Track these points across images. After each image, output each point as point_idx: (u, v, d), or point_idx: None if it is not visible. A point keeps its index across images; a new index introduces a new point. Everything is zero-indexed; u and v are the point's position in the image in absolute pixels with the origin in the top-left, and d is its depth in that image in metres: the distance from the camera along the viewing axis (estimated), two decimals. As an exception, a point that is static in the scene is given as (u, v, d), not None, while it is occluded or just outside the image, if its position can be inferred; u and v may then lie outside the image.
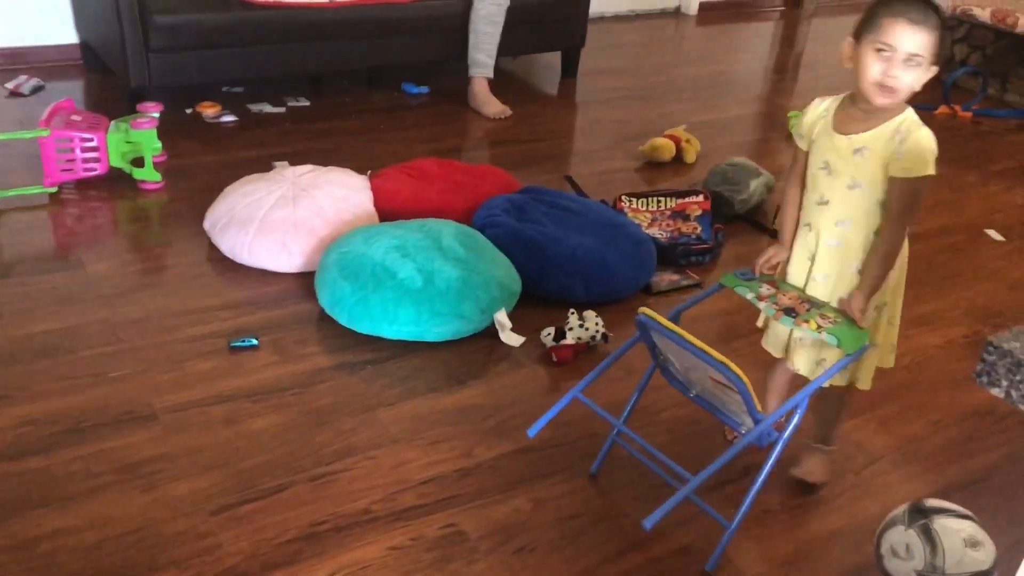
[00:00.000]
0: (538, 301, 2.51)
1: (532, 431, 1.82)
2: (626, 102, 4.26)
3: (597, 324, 2.35)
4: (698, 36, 5.70)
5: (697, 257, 2.81)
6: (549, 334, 2.31)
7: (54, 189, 2.91)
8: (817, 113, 1.77)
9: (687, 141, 3.61)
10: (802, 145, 1.79)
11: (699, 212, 2.98)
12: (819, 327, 1.72)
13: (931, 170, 1.63)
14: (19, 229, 2.73)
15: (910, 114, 1.67)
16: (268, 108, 3.77)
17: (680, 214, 3.00)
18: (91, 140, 2.91)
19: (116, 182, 3.02)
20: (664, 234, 2.90)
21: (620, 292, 2.57)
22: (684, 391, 1.89)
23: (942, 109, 4.43)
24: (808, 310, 1.77)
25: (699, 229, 2.92)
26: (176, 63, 3.44)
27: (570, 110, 4.18)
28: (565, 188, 3.22)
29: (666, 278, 2.72)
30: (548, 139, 3.76)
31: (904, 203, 1.67)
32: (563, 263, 2.51)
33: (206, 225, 2.71)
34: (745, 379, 1.61)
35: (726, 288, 1.95)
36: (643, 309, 1.75)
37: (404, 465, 1.92)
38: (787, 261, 1.87)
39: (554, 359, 2.29)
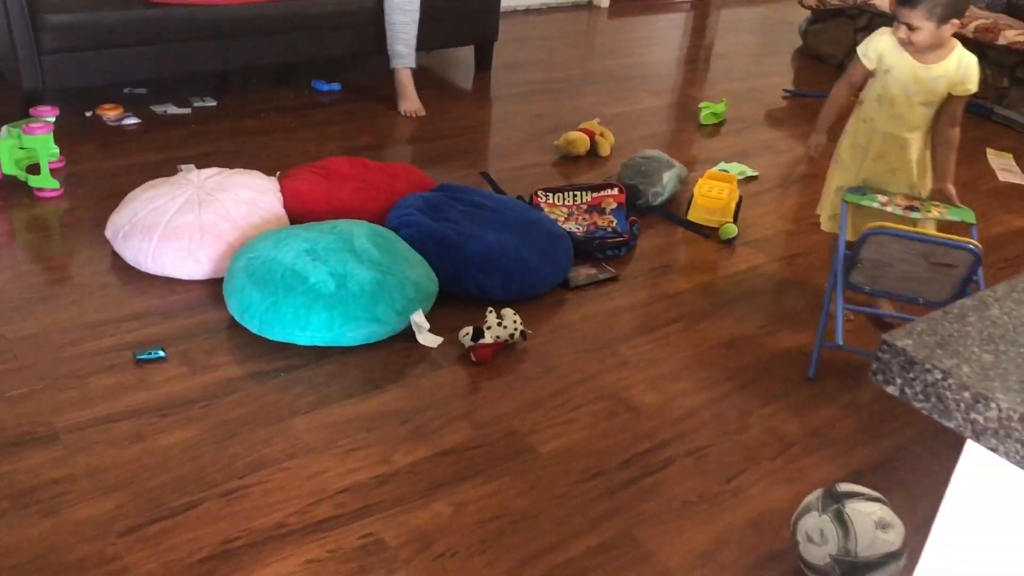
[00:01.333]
0: (456, 301, 2.49)
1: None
2: (540, 96, 4.26)
3: (515, 322, 2.33)
4: (610, 29, 5.74)
5: (613, 250, 2.82)
6: (467, 334, 2.29)
7: (-58, 199, 2.77)
8: (889, 42, 2.32)
9: (601, 134, 3.63)
10: (869, 65, 2.36)
11: (614, 205, 3.00)
12: (941, 213, 2.33)
13: (976, 87, 2.31)
14: (-96, 243, 2.59)
15: (961, 49, 2.30)
16: (172, 109, 3.66)
17: (596, 208, 3.01)
18: (-19, 147, 2.78)
19: (11, 190, 2.89)
20: (580, 228, 2.90)
21: (538, 288, 2.57)
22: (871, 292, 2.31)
23: (847, 97, 4.53)
24: (923, 203, 2.36)
25: (614, 222, 2.93)
26: (72, 64, 3.30)
27: (484, 105, 4.16)
28: (481, 185, 3.20)
29: (583, 272, 2.72)
30: (463, 135, 3.73)
31: (956, 112, 2.35)
32: (480, 261, 2.49)
33: (108, 233, 2.61)
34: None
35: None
36: (874, 225, 2.17)
37: (320, 475, 1.88)
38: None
39: (473, 359, 2.27)
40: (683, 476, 1.97)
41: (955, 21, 2.21)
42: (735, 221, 3.06)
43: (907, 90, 2.31)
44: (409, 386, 2.18)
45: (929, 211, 2.32)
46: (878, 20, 4.86)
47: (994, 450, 0.65)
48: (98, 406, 2.01)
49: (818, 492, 1.73)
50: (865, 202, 2.35)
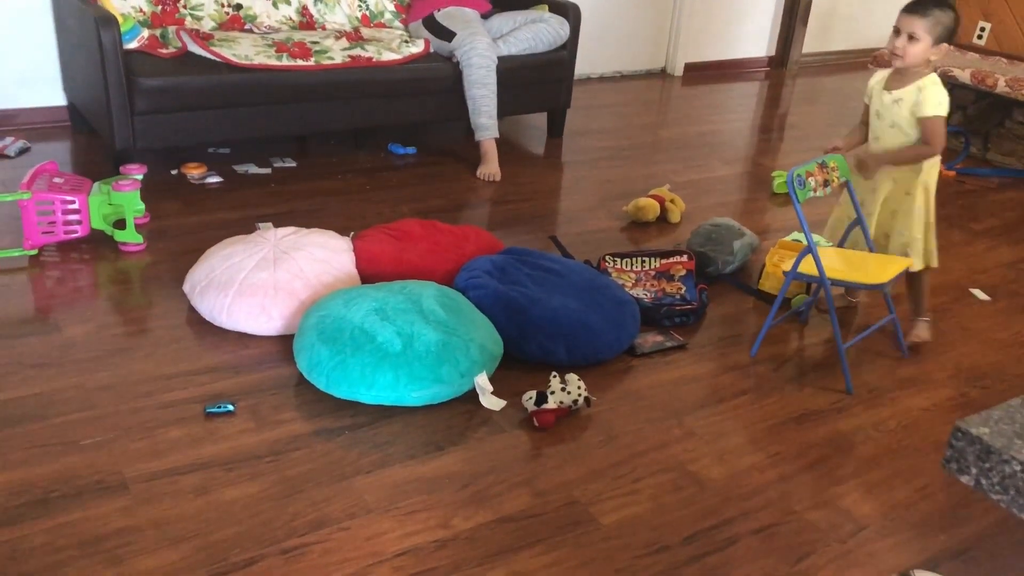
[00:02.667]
0: (520, 364, 2.49)
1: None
2: (611, 162, 4.29)
3: (579, 388, 2.31)
4: (684, 96, 5.77)
5: (681, 318, 2.79)
6: (531, 398, 2.28)
7: (34, 252, 2.89)
8: (876, 79, 2.65)
9: (671, 201, 3.62)
10: (865, 100, 2.70)
11: (683, 272, 2.97)
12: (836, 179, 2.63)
13: (939, 112, 2.49)
14: (-4, 292, 2.71)
15: (930, 78, 2.50)
16: (254, 169, 3.78)
17: (664, 274, 2.99)
18: (73, 203, 2.90)
19: (98, 244, 3.01)
20: (648, 294, 2.88)
21: (603, 354, 2.55)
22: None
23: (925, 168, 4.45)
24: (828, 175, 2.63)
25: (683, 289, 2.90)
26: (161, 125, 3.45)
27: (555, 170, 4.20)
28: (549, 248, 3.21)
29: (650, 339, 2.69)
30: (533, 199, 3.76)
31: (925, 135, 2.53)
32: (545, 325, 2.49)
33: (185, 288, 2.69)
34: None
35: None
36: None
37: (379, 536, 1.87)
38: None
39: (536, 424, 2.25)
40: (749, 555, 1.91)
41: (944, 46, 2.45)
42: (807, 292, 3.00)
43: (879, 113, 2.61)
44: (471, 449, 2.17)
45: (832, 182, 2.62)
46: (958, 91, 4.79)
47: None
48: (167, 458, 2.05)
49: (892, 578, 1.66)
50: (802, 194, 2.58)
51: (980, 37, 5.53)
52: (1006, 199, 4.24)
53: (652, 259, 3.06)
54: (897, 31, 2.48)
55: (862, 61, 5.55)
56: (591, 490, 2.06)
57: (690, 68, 6.13)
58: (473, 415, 2.29)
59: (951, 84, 4.76)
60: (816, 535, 1.98)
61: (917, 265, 2.66)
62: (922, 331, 2.80)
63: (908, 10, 2.47)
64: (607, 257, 3.08)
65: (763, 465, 2.20)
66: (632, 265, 3.05)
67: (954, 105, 4.80)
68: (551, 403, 2.26)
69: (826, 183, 2.61)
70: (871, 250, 2.71)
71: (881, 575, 1.78)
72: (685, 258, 3.03)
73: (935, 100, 2.49)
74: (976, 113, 4.75)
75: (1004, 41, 5.40)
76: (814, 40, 6.59)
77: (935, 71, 2.57)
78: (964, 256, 3.54)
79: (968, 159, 4.64)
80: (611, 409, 2.38)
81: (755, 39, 6.42)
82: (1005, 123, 4.63)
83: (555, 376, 2.32)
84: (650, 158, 4.42)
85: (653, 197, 3.62)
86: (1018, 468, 0.64)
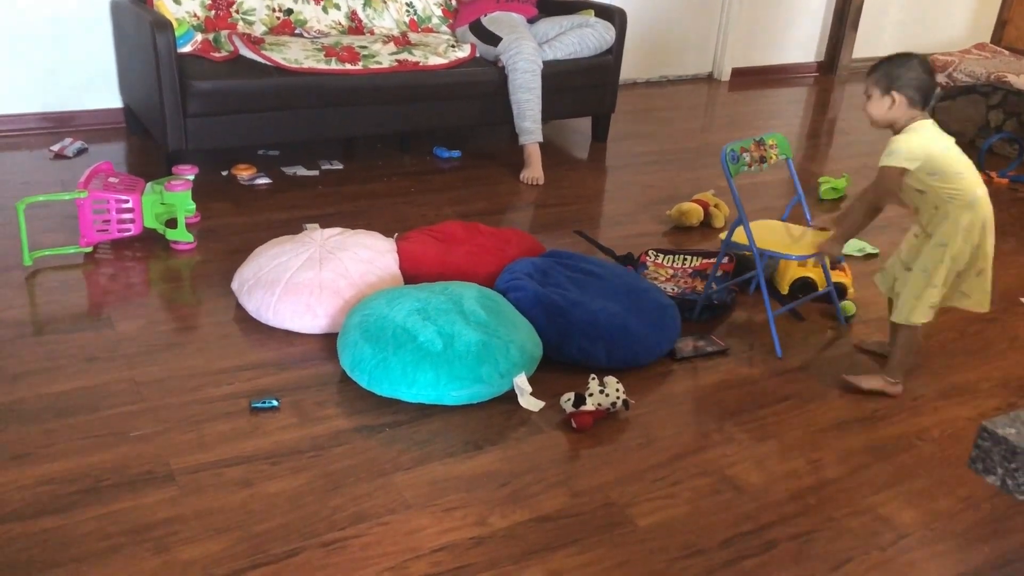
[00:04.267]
0: (560, 366, 2.50)
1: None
2: (655, 167, 4.28)
3: (618, 390, 2.32)
4: (730, 101, 5.74)
5: (705, 313, 2.82)
6: (569, 399, 2.29)
7: (89, 249, 2.98)
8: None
9: (715, 206, 3.61)
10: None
11: (720, 274, 2.97)
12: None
13: (887, 161, 2.32)
14: (53, 288, 2.79)
15: (907, 130, 2.34)
16: (302, 171, 3.85)
17: (701, 273, 2.99)
18: (127, 202, 2.99)
19: (150, 242, 3.09)
20: (677, 289, 2.90)
21: (643, 358, 2.55)
22: None
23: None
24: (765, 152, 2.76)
25: (714, 288, 2.90)
26: (213, 127, 3.53)
27: (599, 174, 4.20)
28: (592, 252, 3.22)
29: (691, 344, 2.69)
30: (576, 203, 3.78)
31: (882, 182, 2.37)
32: (585, 328, 2.50)
33: (234, 286, 2.75)
34: None
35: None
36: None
37: (417, 532, 1.90)
38: None
39: (574, 425, 2.26)
40: (786, 561, 1.90)
41: (894, 95, 2.30)
42: (844, 299, 2.98)
43: None
44: (509, 448, 2.19)
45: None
46: (1012, 97, 4.70)
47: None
48: (213, 450, 2.10)
49: (930, 587, 1.64)
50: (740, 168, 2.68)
51: (1036, 42, 5.42)
52: (1060, 207, 4.15)
53: (693, 258, 3.07)
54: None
55: (913, 66, 5.48)
56: (628, 492, 2.07)
57: (737, 73, 6.10)
58: (512, 415, 2.31)
59: (1004, 91, 4.68)
60: (855, 542, 1.96)
61: (896, 316, 2.45)
62: (872, 382, 2.51)
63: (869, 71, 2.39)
64: (650, 251, 3.10)
65: (802, 471, 2.19)
66: (673, 262, 3.06)
67: (1008, 111, 4.74)
68: (589, 405, 2.27)
69: (762, 159, 2.70)
70: (809, 224, 2.81)
71: (920, 584, 1.76)
72: (726, 260, 3.02)
73: (889, 148, 2.33)
74: (1031, 120, 4.65)
75: (1061, 46, 5.29)
76: (864, 45, 6.51)
77: (924, 120, 2.35)
78: (1015, 265, 3.47)
79: (1022, 166, 4.55)
80: (650, 412, 2.38)
81: (804, 44, 6.36)
82: (1061, 130, 4.53)
83: (594, 378, 2.33)
84: (695, 163, 4.41)
85: (697, 202, 3.61)
86: (1043, 468, 0.64)
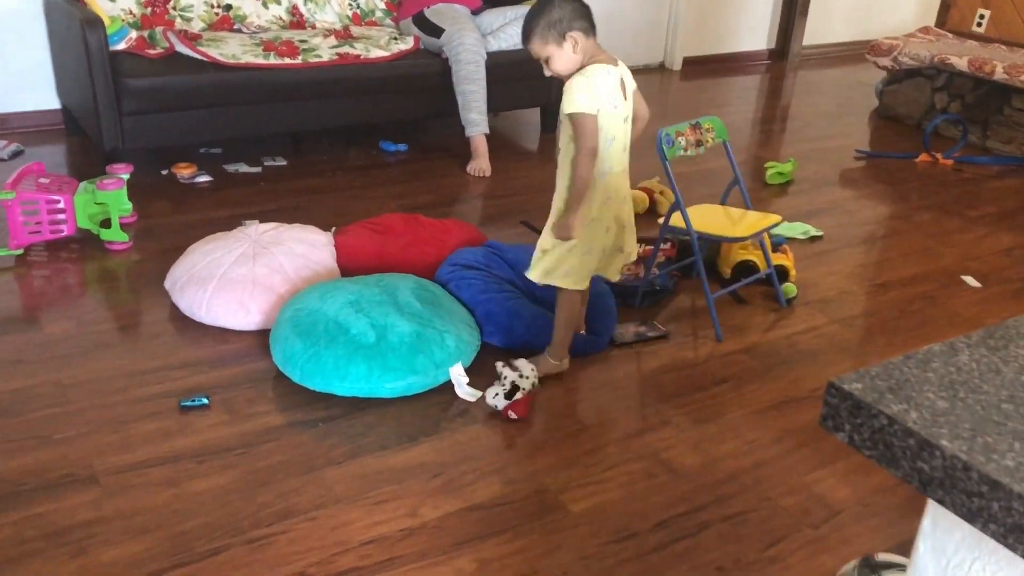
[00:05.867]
0: (499, 355, 2.48)
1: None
2: (604, 156, 4.26)
3: (533, 370, 2.30)
4: (682, 90, 5.74)
5: (647, 299, 2.82)
6: (497, 395, 2.24)
7: (20, 251, 2.91)
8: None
9: (660, 192, 3.60)
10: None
11: (662, 259, 2.96)
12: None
13: (570, 108, 2.11)
14: (-19, 291, 2.73)
15: (584, 71, 2.13)
16: (244, 168, 3.79)
17: (644, 260, 2.98)
18: (58, 202, 2.92)
19: (85, 244, 3.03)
20: (619, 276, 2.88)
21: (579, 346, 2.53)
22: None
23: (923, 157, 4.42)
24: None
25: (655, 273, 2.89)
26: (149, 125, 3.47)
27: (547, 165, 4.18)
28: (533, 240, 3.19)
29: (632, 329, 2.68)
30: (523, 194, 3.75)
31: (574, 130, 2.14)
32: (525, 316, 2.48)
33: (167, 284, 2.70)
34: None
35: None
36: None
37: (346, 526, 1.87)
38: None
39: (514, 417, 2.23)
40: (719, 541, 1.89)
41: (571, 37, 2.11)
42: (785, 281, 2.98)
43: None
44: (444, 440, 2.16)
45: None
46: (956, 79, 4.75)
47: (941, 502, 0.60)
48: (138, 451, 2.05)
49: (854, 562, 1.64)
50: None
51: (980, 24, 5.48)
52: (1005, 186, 4.19)
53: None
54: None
55: (863, 52, 5.51)
56: (562, 478, 2.05)
57: (689, 62, 6.10)
58: (448, 407, 2.29)
59: (948, 72, 4.72)
60: (789, 521, 1.96)
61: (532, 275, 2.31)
62: (540, 365, 2.35)
63: (523, 42, 2.19)
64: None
65: (739, 453, 2.18)
66: (615, 253, 3.04)
67: (952, 93, 4.78)
68: (519, 394, 2.23)
69: (699, 143, 2.69)
70: (748, 207, 2.84)
71: (851, 560, 1.76)
72: (668, 246, 3.01)
73: (568, 95, 2.12)
74: (974, 101, 4.70)
75: (1003, 28, 5.35)
76: (814, 32, 6.54)
77: (589, 64, 2.15)
78: (958, 243, 3.50)
79: (966, 147, 4.59)
80: (588, 399, 2.37)
81: (755, 32, 6.38)
82: (1004, 110, 4.58)
83: (503, 365, 2.28)
84: (644, 151, 4.37)
85: (643, 189, 3.60)
86: (885, 422, 0.63)
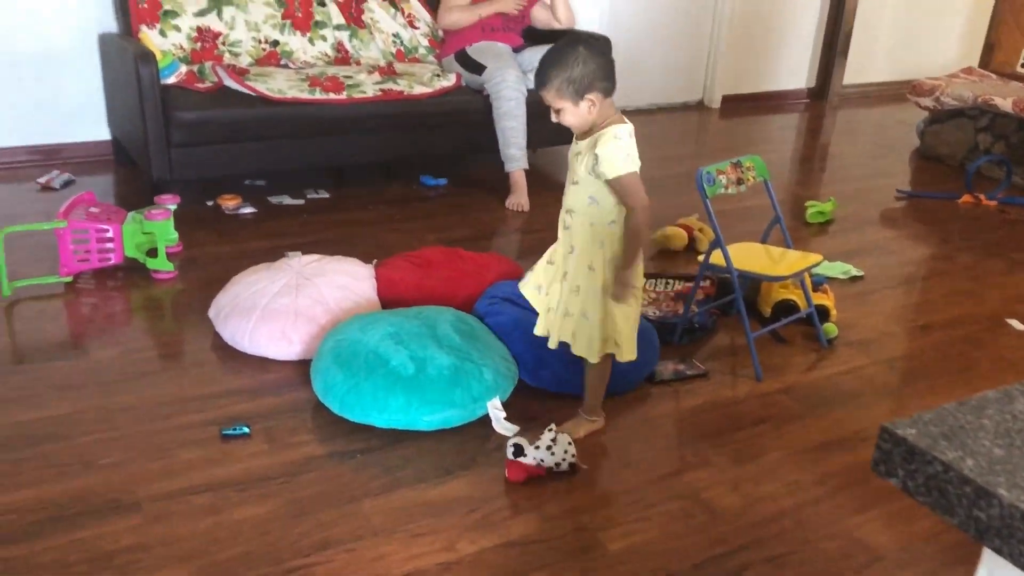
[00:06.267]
0: (540, 393, 2.48)
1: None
2: (643, 192, 4.28)
3: (567, 451, 2.16)
4: (721, 128, 5.75)
5: (685, 336, 2.82)
6: (512, 446, 2.13)
7: (69, 279, 2.98)
8: None
9: (700, 230, 3.60)
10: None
11: (701, 297, 2.95)
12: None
13: (619, 172, 2.07)
14: (31, 317, 2.79)
15: (609, 128, 2.08)
16: (287, 200, 3.86)
17: (683, 296, 2.98)
18: (107, 231, 2.99)
19: (131, 272, 3.09)
20: (658, 313, 2.89)
21: (619, 384, 2.52)
22: None
23: (966, 198, 4.37)
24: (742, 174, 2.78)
25: (694, 311, 2.88)
26: (197, 157, 3.55)
27: (586, 200, 4.20)
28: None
29: (671, 367, 2.67)
30: (562, 229, 3.76)
31: (619, 196, 2.11)
32: (561, 353, 2.48)
33: (211, 313, 2.74)
34: None
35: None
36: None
37: (384, 558, 1.87)
38: None
39: (506, 475, 2.12)
40: (759, 584, 1.87)
41: (595, 96, 2.03)
42: (826, 321, 2.96)
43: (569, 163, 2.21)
44: (481, 474, 2.16)
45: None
46: (1000, 120, 4.71)
47: (998, 551, 0.60)
48: (180, 478, 2.08)
49: (899, 609, 1.61)
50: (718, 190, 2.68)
51: (1024, 65, 5.44)
52: (1050, 229, 4.14)
53: (676, 281, 3.06)
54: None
55: (904, 92, 5.49)
56: (600, 516, 2.04)
57: (728, 100, 6.12)
58: (486, 440, 2.29)
59: (992, 113, 4.68)
60: (829, 564, 1.93)
61: (583, 352, 2.22)
62: (576, 427, 2.31)
63: (537, 86, 2.09)
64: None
65: (779, 494, 2.16)
66: (655, 285, 3.05)
67: (996, 134, 4.74)
68: (528, 459, 2.13)
69: (740, 181, 2.70)
70: (788, 246, 2.83)
71: (894, 607, 1.73)
72: (707, 283, 3.00)
73: (611, 157, 2.06)
74: (1019, 142, 4.65)
75: (1049, 69, 5.30)
76: (855, 71, 6.54)
77: (621, 123, 2.10)
78: (1003, 286, 3.45)
79: (1010, 188, 4.54)
80: (626, 436, 2.36)
81: (794, 71, 6.39)
82: (1049, 152, 4.53)
83: (550, 430, 2.19)
84: (683, 188, 4.39)
85: (681, 226, 3.61)
86: (940, 468, 0.63)
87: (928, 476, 0.63)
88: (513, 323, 2.56)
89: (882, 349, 2.90)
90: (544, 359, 2.47)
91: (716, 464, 2.26)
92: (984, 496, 0.60)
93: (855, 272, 3.47)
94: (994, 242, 3.91)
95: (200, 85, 3.60)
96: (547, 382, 2.48)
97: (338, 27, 4.22)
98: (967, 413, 0.68)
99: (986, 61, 5.63)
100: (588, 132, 2.12)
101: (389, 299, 2.76)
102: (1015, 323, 3.12)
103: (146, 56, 3.37)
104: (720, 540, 1.99)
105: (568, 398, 2.43)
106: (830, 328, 2.92)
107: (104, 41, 3.96)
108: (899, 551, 1.99)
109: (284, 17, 4.08)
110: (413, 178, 4.23)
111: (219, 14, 3.93)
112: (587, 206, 2.15)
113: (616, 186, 2.09)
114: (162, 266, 3.05)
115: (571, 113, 2.08)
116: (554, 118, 2.12)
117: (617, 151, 2.07)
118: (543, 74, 2.07)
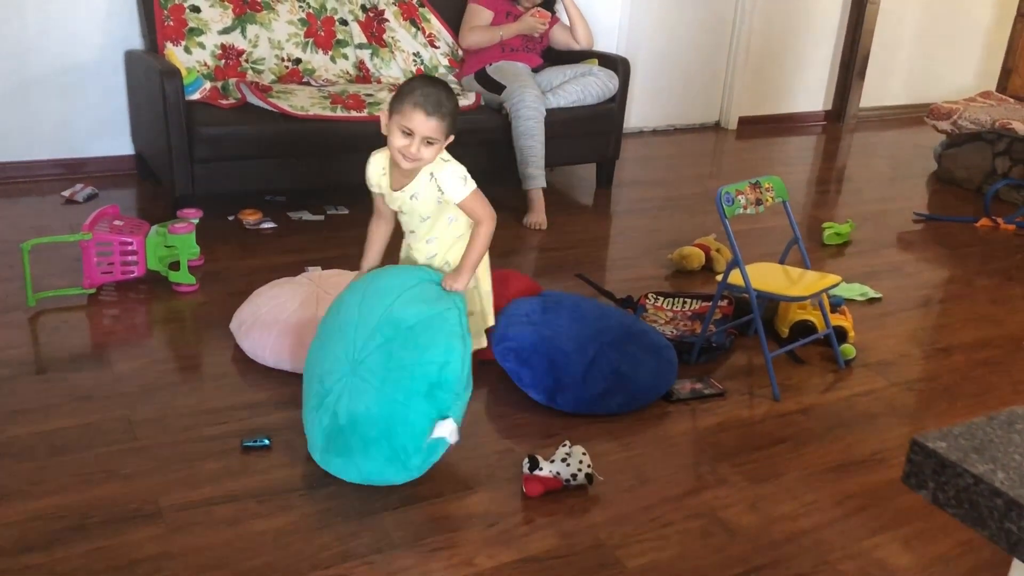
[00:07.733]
0: (554, 410, 2.49)
1: None
2: (659, 212, 4.30)
3: (582, 463, 2.17)
4: (737, 149, 5.77)
5: (703, 356, 2.82)
6: (527, 461, 2.15)
7: (92, 290, 3.02)
8: (376, 172, 2.31)
9: (717, 250, 3.62)
10: (375, 191, 2.36)
11: (719, 316, 2.96)
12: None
13: (465, 192, 2.23)
14: (54, 328, 2.82)
15: (437, 163, 2.20)
16: (308, 216, 3.89)
17: (700, 316, 2.99)
18: (130, 244, 3.03)
19: (153, 284, 3.12)
20: (675, 332, 2.90)
21: (638, 400, 2.54)
22: None
23: (984, 222, 4.37)
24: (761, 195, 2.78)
25: (712, 330, 2.89)
26: (219, 172, 3.59)
27: (603, 219, 4.23)
28: (581, 286, 3.22)
29: (688, 386, 2.68)
30: (579, 247, 3.79)
31: (474, 215, 2.27)
32: (578, 377, 2.49)
33: (232, 326, 2.77)
34: None
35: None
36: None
37: (403, 572, 1.88)
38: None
39: (523, 490, 2.13)
40: (777, 603, 1.87)
41: (451, 138, 2.19)
42: (844, 343, 2.96)
43: (403, 211, 2.33)
44: (499, 489, 2.17)
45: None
46: (1018, 144, 4.71)
47: (1030, 563, 0.61)
48: (202, 488, 2.10)
49: (919, 630, 1.61)
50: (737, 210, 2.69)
51: (1042, 90, 5.44)
52: (1068, 253, 4.13)
53: (693, 301, 3.07)
54: (408, 130, 2.10)
55: (921, 116, 5.50)
56: (618, 533, 2.04)
57: (745, 122, 6.14)
58: (505, 456, 2.30)
59: (1010, 138, 4.68)
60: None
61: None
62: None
63: (427, 110, 2.08)
64: (649, 294, 3.11)
65: (797, 514, 2.16)
66: (672, 305, 3.07)
67: (1014, 158, 4.74)
68: (544, 471, 2.15)
69: (758, 202, 2.73)
70: (807, 267, 2.84)
71: (913, 628, 1.72)
72: (725, 303, 3.01)
73: (454, 177, 2.22)
74: (1037, 166, 4.65)
75: (1067, 94, 5.30)
76: (872, 95, 6.56)
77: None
78: (1022, 310, 3.45)
79: (1029, 213, 4.53)
80: (644, 454, 2.36)
81: (811, 93, 6.41)
82: (1067, 176, 4.52)
83: (565, 444, 2.21)
84: (699, 208, 4.42)
85: (699, 246, 3.62)
86: (971, 481, 0.64)
87: (959, 489, 0.64)
88: (531, 348, 2.57)
89: (900, 371, 2.90)
90: (562, 382, 2.48)
91: (734, 483, 2.26)
92: (1015, 508, 0.61)
93: (873, 294, 3.47)
94: (1013, 266, 3.90)
95: (224, 102, 3.65)
96: (564, 405, 2.48)
97: (359, 46, 4.27)
98: (997, 427, 0.69)
99: (1003, 86, 5.64)
100: (409, 174, 2.21)
101: (408, 314, 2.77)
102: (1034, 347, 3.12)
103: (171, 72, 3.42)
104: (738, 559, 1.99)
105: (585, 417, 2.43)
106: (848, 349, 2.93)
107: (130, 57, 4.02)
108: (919, 572, 1.98)
109: (307, 36, 4.14)
110: (432, 195, 4.25)
111: (243, 32, 3.99)
112: (448, 225, 2.32)
113: (466, 206, 2.25)
114: (184, 279, 3.09)
115: (437, 149, 2.17)
116: (413, 148, 2.11)
117: (455, 173, 2.22)
118: (446, 104, 2.12)
